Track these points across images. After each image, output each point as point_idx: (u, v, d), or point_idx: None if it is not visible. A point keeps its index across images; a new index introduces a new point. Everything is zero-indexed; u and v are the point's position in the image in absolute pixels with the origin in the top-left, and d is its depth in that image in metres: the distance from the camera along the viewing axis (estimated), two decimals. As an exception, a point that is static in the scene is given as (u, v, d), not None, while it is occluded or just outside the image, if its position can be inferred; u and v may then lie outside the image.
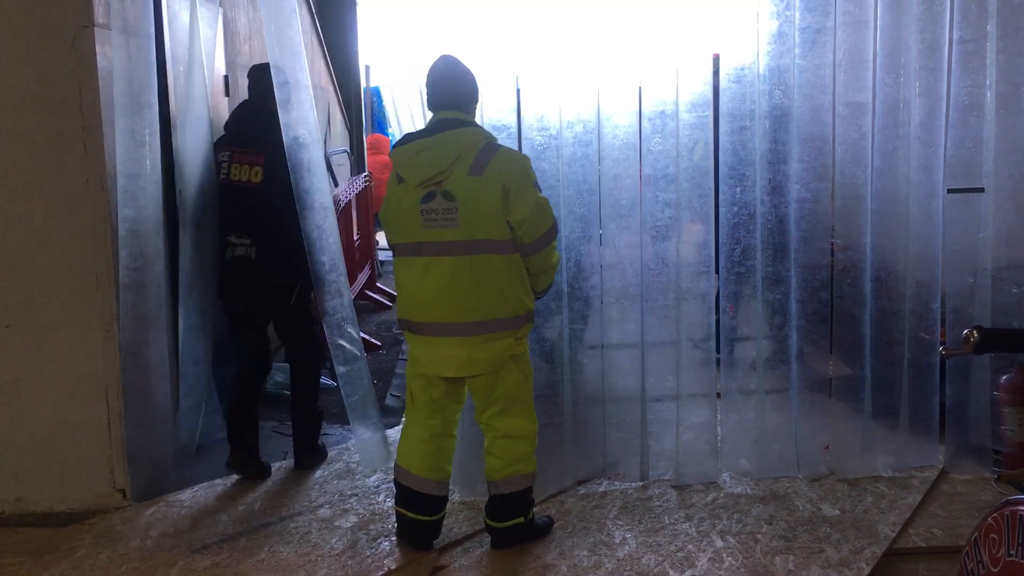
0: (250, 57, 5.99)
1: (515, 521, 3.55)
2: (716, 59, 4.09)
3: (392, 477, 3.80)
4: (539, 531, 3.64)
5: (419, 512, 3.53)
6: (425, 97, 3.50)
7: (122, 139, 3.93)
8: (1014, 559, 1.83)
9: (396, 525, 3.65)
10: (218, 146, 4.31)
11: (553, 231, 3.44)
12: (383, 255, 10.14)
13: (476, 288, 3.33)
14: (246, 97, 4.40)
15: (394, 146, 3.50)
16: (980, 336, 1.67)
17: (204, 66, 4.43)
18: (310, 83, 4.16)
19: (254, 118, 4.24)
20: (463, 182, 3.28)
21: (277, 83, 4.03)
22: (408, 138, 3.44)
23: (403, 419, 3.68)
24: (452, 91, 3.42)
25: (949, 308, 4.09)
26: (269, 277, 4.17)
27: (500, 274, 3.35)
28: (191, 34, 4.40)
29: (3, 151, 3.82)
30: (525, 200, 3.32)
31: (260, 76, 4.24)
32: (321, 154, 4.15)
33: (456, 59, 3.49)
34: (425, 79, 3.48)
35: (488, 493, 3.58)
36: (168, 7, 4.27)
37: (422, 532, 3.55)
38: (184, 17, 4.39)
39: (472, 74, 3.48)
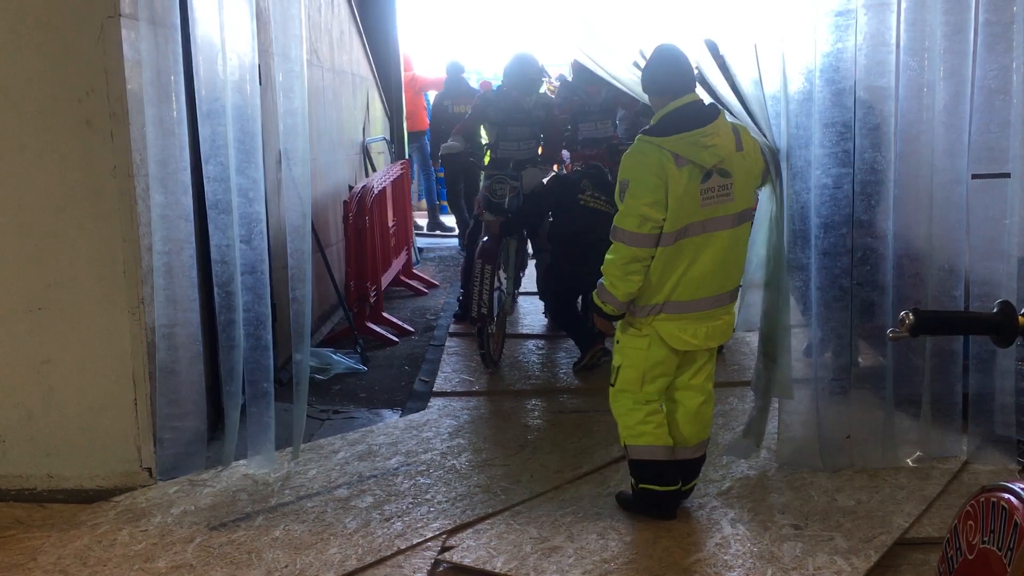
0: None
1: (694, 482, 3.80)
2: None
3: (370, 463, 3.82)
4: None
5: (670, 483, 3.65)
6: (659, 84, 3.57)
7: (152, 127, 4.03)
8: (987, 545, 1.81)
9: (641, 504, 3.70)
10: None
11: None
12: (421, 242, 10.23)
13: (739, 256, 3.65)
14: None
15: (660, 134, 3.47)
16: (916, 318, 1.64)
17: (236, 55, 4.49)
18: (305, 77, 4.20)
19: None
20: (734, 158, 3.51)
21: (283, 71, 4.10)
22: (686, 125, 3.44)
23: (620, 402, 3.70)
24: (690, 75, 3.59)
25: (974, 296, 4.01)
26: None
27: (746, 240, 3.70)
28: (220, 23, 4.48)
29: (32, 138, 3.93)
30: (759, 151, 3.72)
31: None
32: (307, 147, 4.22)
33: (675, 45, 3.65)
34: (654, 69, 3.58)
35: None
36: (196, -4, 4.35)
37: (674, 501, 3.70)
38: (213, 6, 4.46)
39: None
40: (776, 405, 4.13)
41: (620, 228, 3.46)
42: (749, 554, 3.35)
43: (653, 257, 3.45)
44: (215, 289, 4.23)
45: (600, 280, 3.56)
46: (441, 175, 10.51)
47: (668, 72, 3.55)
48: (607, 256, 3.51)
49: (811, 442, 4.11)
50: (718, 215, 3.47)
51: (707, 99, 3.71)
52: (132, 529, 3.64)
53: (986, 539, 1.82)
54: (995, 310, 1.63)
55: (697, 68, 3.99)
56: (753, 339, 4.56)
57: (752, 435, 4.12)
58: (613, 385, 3.68)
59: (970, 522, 1.89)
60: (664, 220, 3.40)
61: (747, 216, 3.61)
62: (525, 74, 6.12)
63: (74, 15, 3.86)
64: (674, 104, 3.50)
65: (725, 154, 3.46)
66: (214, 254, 4.17)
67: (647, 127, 3.55)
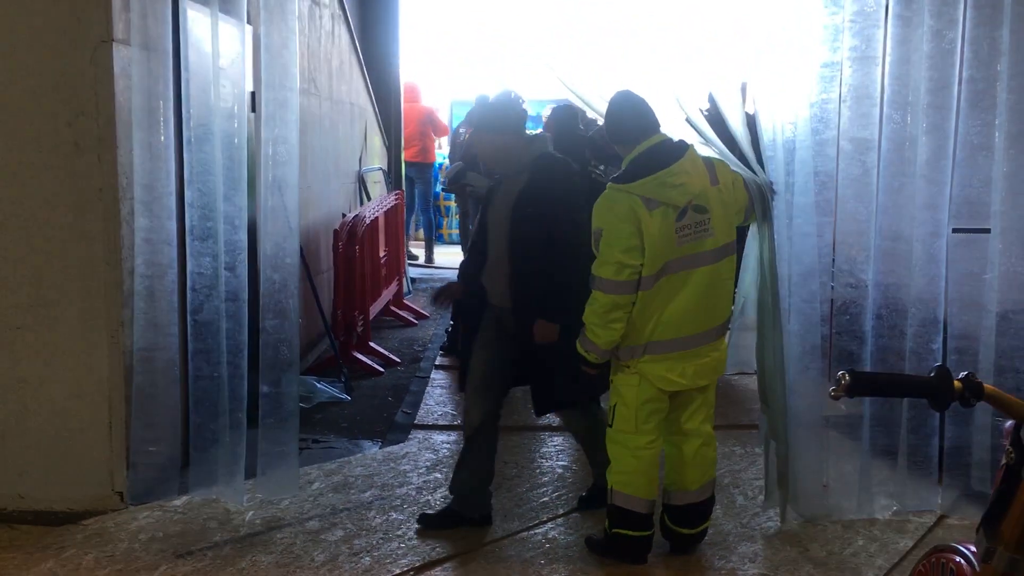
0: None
1: (706, 524, 3.75)
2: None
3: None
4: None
5: (646, 529, 3.63)
6: (619, 133, 3.59)
7: (139, 151, 4.06)
8: (937, 608, 1.81)
9: (613, 549, 3.67)
10: None
11: None
12: (414, 272, 10.24)
13: (723, 292, 3.61)
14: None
15: (627, 180, 3.46)
16: (851, 379, 1.66)
17: (229, 82, 4.53)
18: (298, 105, 4.22)
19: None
20: (709, 193, 3.50)
21: (265, 100, 4.13)
22: (652, 167, 3.43)
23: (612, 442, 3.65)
24: (649, 116, 3.58)
25: (952, 349, 4.02)
26: None
27: (731, 275, 3.68)
28: (213, 51, 4.52)
29: (22, 158, 3.95)
30: (741, 185, 3.71)
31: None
32: (296, 173, 4.23)
33: (629, 91, 3.67)
34: (612, 119, 3.60)
35: (672, 503, 3.70)
36: (189, 24, 4.39)
37: (647, 547, 3.66)
38: (207, 34, 4.51)
39: None
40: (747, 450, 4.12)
41: (598, 277, 3.46)
42: (716, 603, 3.33)
43: (634, 303, 3.45)
44: (188, 316, 4.23)
45: (583, 329, 3.54)
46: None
47: (624, 119, 3.56)
48: (587, 305, 3.50)
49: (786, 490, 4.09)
50: (697, 251, 3.46)
51: (676, 136, 3.70)
52: (98, 554, 3.62)
53: (936, 600, 1.81)
54: (931, 374, 1.64)
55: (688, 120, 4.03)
56: (744, 380, 4.52)
57: (771, 490, 4.02)
58: (611, 426, 3.65)
59: (922, 582, 1.89)
60: (642, 265, 3.40)
61: (729, 250, 3.56)
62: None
63: (67, 39, 3.90)
64: (638, 149, 3.50)
65: (697, 190, 3.45)
66: (189, 281, 4.17)
67: (616, 175, 3.55)
